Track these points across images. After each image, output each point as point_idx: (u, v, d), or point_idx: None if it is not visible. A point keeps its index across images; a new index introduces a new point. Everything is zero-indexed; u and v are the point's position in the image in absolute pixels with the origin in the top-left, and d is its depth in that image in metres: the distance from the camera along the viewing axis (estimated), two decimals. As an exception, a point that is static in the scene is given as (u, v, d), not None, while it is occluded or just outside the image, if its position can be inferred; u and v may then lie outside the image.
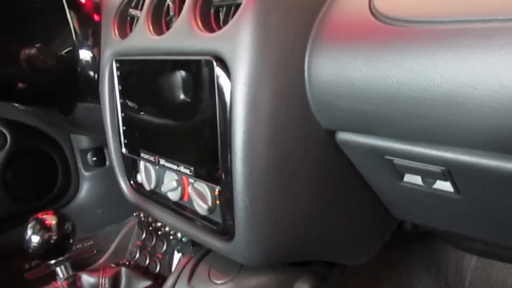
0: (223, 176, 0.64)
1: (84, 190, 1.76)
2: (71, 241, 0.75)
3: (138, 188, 0.88)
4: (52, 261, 0.74)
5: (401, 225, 0.90)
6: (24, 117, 1.51)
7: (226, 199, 0.65)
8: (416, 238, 1.14)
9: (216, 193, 0.67)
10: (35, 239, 0.71)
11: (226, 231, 0.67)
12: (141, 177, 0.84)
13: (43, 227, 0.72)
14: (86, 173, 1.75)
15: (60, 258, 0.74)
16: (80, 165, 1.74)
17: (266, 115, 0.58)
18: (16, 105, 1.41)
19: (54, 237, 0.72)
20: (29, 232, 0.72)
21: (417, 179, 0.64)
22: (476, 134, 0.47)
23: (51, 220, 0.73)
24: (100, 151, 1.73)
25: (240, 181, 0.60)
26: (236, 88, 0.58)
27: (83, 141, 1.71)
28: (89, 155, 1.73)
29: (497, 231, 0.68)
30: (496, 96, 0.44)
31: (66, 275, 0.74)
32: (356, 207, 0.75)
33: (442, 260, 1.16)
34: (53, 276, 0.78)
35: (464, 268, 1.17)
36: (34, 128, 1.54)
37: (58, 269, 0.74)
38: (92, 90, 1.00)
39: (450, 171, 0.55)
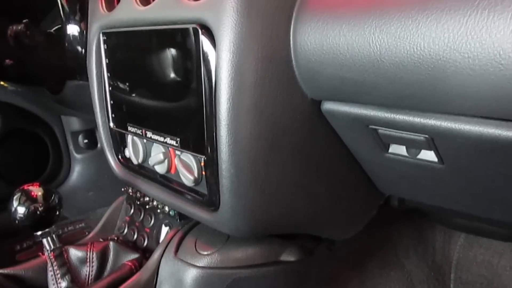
0: (208, 145, 0.64)
1: (76, 173, 1.76)
2: (57, 213, 0.74)
3: (126, 163, 0.88)
4: (39, 233, 0.74)
5: (388, 201, 0.90)
6: (14, 99, 1.50)
7: (211, 169, 0.65)
8: (404, 216, 1.15)
9: (202, 164, 0.68)
10: (21, 210, 0.71)
11: (211, 202, 0.67)
12: (129, 152, 0.84)
13: (29, 199, 0.72)
14: (77, 156, 1.74)
15: (47, 230, 0.74)
16: (71, 147, 1.74)
17: (250, 82, 0.58)
18: (6, 85, 1.40)
19: (40, 209, 0.72)
20: (15, 203, 0.72)
21: (401, 150, 0.64)
22: (458, 98, 0.48)
23: (37, 191, 0.73)
24: (91, 133, 1.72)
25: (224, 149, 0.60)
26: (221, 55, 0.58)
27: (74, 123, 1.70)
28: (80, 137, 1.73)
29: (481, 204, 0.68)
30: (477, 57, 0.44)
31: (52, 247, 0.74)
32: (342, 181, 0.75)
33: (429, 239, 1.17)
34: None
35: (451, 247, 1.19)
36: (24, 110, 1.53)
37: (44, 240, 0.74)
38: (80, 67, 1.00)
39: (433, 139, 0.56)
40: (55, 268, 0.75)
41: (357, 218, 0.84)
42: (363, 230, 0.91)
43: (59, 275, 0.74)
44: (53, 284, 0.75)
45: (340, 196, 0.76)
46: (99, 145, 1.71)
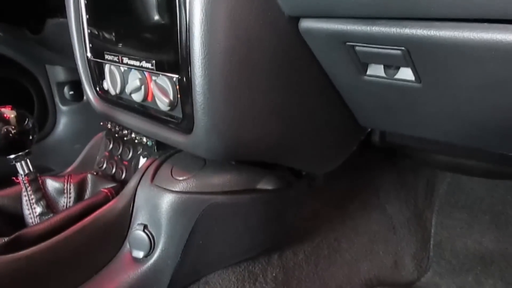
0: (182, 63, 0.62)
1: (62, 125, 1.74)
2: (30, 137, 0.73)
3: (104, 95, 0.86)
4: (12, 156, 0.73)
5: (369, 138, 0.89)
6: (-4, 47, 1.46)
7: (186, 89, 0.64)
8: (387, 160, 1.15)
9: (177, 87, 0.66)
10: (-7, 132, 0.70)
11: (186, 124, 0.66)
12: (106, 83, 0.83)
13: (2, 120, 0.70)
14: (63, 107, 1.72)
15: (20, 154, 0.73)
16: (57, 99, 1.71)
17: (225, -6, 0.56)
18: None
19: (13, 131, 0.71)
20: (-15, 125, 0.70)
21: (379, 71, 0.63)
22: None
23: (9, 114, 0.72)
24: (77, 85, 1.70)
25: (197, 64, 0.59)
26: (194, -36, 0.56)
27: (59, 73, 1.67)
28: (66, 89, 1.71)
29: (458, 128, 0.68)
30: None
31: (26, 171, 0.74)
32: (319, 108, 0.74)
33: (412, 184, 1.17)
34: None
35: (434, 193, 1.19)
36: (8, 58, 1.50)
37: (18, 165, 0.73)
38: (61, 3, 0.97)
39: (409, 51, 0.54)
40: (30, 193, 0.74)
41: (335, 151, 0.83)
42: (345, 173, 0.90)
43: (33, 200, 0.74)
44: (28, 209, 0.74)
45: (317, 124, 0.75)
46: (85, 97, 1.69)
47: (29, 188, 0.74)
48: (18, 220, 0.76)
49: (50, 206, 0.75)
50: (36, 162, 0.80)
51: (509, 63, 0.48)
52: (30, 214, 0.74)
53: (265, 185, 0.78)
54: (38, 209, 0.74)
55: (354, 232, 1.02)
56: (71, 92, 1.71)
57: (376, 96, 0.69)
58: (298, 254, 0.93)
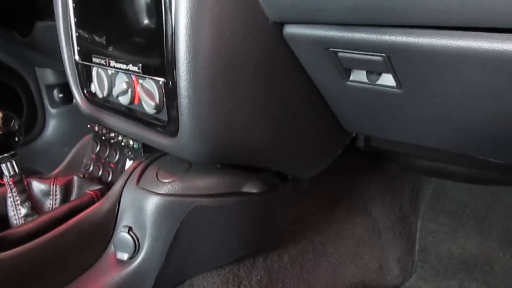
0: (167, 66, 0.63)
1: (51, 128, 1.74)
2: (16, 139, 0.74)
3: (92, 98, 0.87)
4: (-3, 157, 0.73)
5: (354, 143, 0.91)
6: (-15, 49, 1.46)
7: (171, 92, 0.64)
8: (372, 165, 1.16)
9: (163, 90, 0.67)
10: (-22, 134, 0.70)
11: (171, 127, 0.67)
12: (94, 86, 0.83)
13: (-13, 122, 0.71)
14: (52, 110, 1.72)
15: (6, 155, 0.73)
16: (46, 101, 1.71)
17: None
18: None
19: (-1, 133, 0.71)
20: (-28, 126, 0.70)
21: (362, 76, 0.64)
22: (411, 5, 0.48)
23: (-5, 115, 0.72)
24: (67, 88, 1.68)
25: (183, 67, 0.60)
26: (180, -28, 0.57)
27: (49, 76, 1.67)
28: (55, 92, 1.70)
29: (438, 134, 0.69)
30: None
31: (12, 173, 0.74)
32: (305, 113, 0.75)
33: (397, 189, 1.19)
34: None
35: (419, 198, 1.21)
36: (-3, 61, 1.50)
37: (3, 166, 0.73)
38: (49, 6, 0.98)
39: (390, 57, 0.56)
40: (15, 194, 0.74)
41: (321, 155, 0.84)
42: (331, 177, 0.91)
43: (18, 202, 0.74)
44: (12, 211, 0.75)
45: (303, 128, 0.76)
46: (74, 100, 1.69)
47: (14, 190, 0.74)
48: (2, 221, 0.76)
49: (35, 207, 0.76)
50: (25, 165, 0.80)
51: (485, 71, 0.49)
52: (14, 215, 0.74)
53: (250, 188, 0.78)
54: (23, 211, 0.74)
55: (339, 235, 1.03)
56: (61, 95, 1.71)
57: (359, 101, 0.70)
58: (283, 257, 0.94)
